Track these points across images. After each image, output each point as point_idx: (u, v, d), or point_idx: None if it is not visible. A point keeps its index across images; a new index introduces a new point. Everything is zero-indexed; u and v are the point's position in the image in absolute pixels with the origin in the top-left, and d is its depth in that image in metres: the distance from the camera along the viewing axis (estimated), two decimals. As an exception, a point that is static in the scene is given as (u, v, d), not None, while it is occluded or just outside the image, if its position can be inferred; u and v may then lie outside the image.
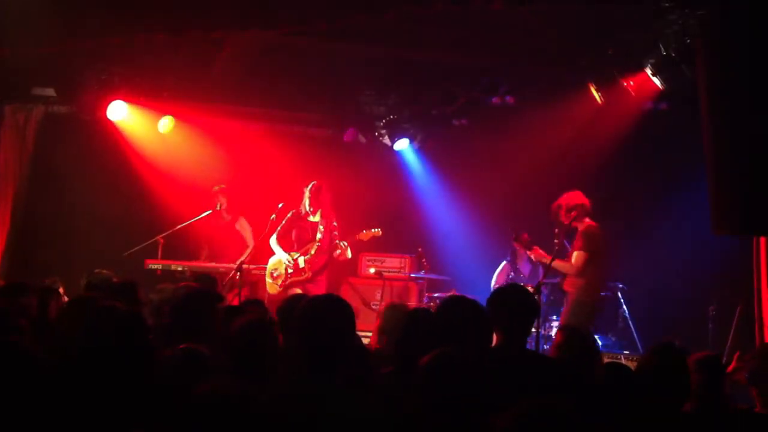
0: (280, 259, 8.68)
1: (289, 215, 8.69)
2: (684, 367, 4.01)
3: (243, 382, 2.96)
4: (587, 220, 7.76)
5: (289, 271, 8.59)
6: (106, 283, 5.62)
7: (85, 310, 4.64)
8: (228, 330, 3.80)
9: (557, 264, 7.70)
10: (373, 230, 8.79)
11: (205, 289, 5.40)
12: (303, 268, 8.57)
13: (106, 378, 3.00)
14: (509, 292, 4.49)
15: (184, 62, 8.44)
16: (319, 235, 8.63)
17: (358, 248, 10.57)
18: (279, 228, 8.64)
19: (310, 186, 8.66)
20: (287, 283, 8.61)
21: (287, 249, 8.70)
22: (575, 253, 7.64)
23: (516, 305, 4.19)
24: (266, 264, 9.00)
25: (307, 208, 8.64)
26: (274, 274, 8.69)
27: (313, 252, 8.61)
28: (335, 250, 8.66)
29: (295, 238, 8.75)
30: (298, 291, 8.29)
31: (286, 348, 4.30)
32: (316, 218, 8.70)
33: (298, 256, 8.62)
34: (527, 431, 2.38)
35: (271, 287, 8.69)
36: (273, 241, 8.68)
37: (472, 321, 3.93)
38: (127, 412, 2.93)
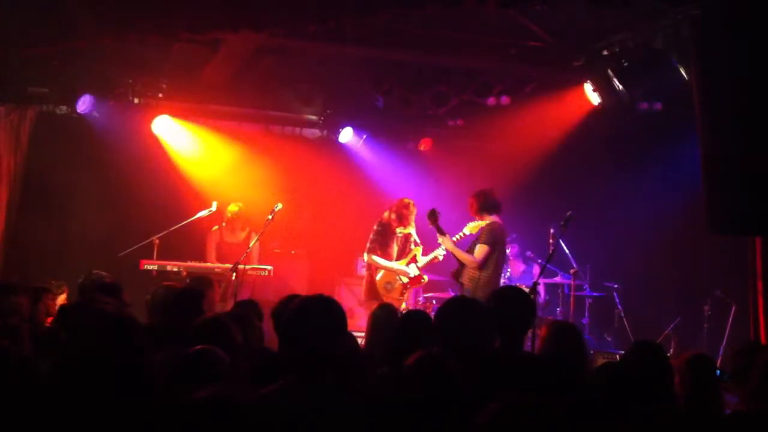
0: (391, 270, 8.41)
1: (378, 229, 8.45)
2: (663, 361, 4.06)
3: (233, 386, 2.95)
4: (494, 216, 7.75)
5: (405, 280, 8.42)
6: (96, 285, 5.61)
7: (80, 313, 4.68)
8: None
9: (460, 255, 7.71)
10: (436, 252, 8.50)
11: (190, 289, 5.40)
12: (419, 275, 8.47)
13: (104, 381, 2.98)
14: (508, 294, 4.54)
15: (178, 63, 8.44)
16: (417, 246, 8.55)
17: (353, 249, 10.61)
18: (373, 245, 8.39)
19: (409, 202, 8.38)
20: (407, 292, 8.51)
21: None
22: (478, 246, 7.61)
23: (514, 307, 4.21)
24: (264, 265, 9.02)
25: (408, 221, 8.37)
26: (388, 288, 8.40)
27: (425, 258, 8.48)
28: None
29: (394, 249, 8.52)
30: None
31: (281, 350, 4.31)
32: (409, 230, 8.50)
33: (407, 264, 8.46)
34: (503, 427, 2.39)
35: (395, 301, 8.22)
36: (376, 257, 8.38)
37: (476, 322, 3.93)
38: (121, 416, 2.92)
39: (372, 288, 8.46)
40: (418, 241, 8.57)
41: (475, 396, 2.94)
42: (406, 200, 8.37)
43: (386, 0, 5.87)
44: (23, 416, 2.86)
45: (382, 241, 8.44)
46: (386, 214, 8.49)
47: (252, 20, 5.85)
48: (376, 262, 8.40)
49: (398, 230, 8.43)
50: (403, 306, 8.37)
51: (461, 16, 7.15)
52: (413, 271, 8.45)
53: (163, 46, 7.92)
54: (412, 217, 8.35)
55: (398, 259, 8.50)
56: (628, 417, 3.50)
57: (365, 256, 8.48)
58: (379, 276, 8.46)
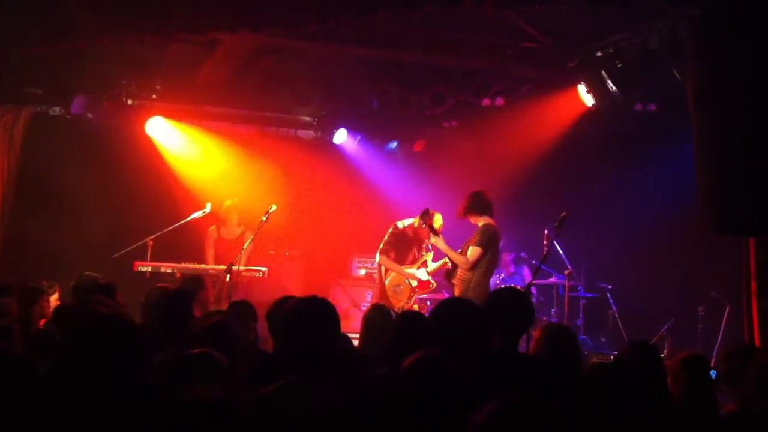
0: (401, 273, 8.55)
1: (395, 232, 8.59)
2: (657, 361, 4.08)
3: (230, 387, 2.93)
4: (487, 218, 7.75)
5: (414, 283, 8.56)
6: (91, 286, 5.58)
7: (77, 314, 4.65)
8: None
9: (453, 256, 7.72)
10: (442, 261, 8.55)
11: (178, 290, 5.38)
12: (428, 280, 8.60)
13: (103, 382, 2.96)
14: (504, 296, 4.56)
15: (173, 63, 8.40)
16: (428, 252, 8.66)
17: (347, 250, 10.59)
18: (386, 246, 8.52)
19: (434, 213, 8.30)
20: (415, 296, 8.60)
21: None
22: (471, 248, 7.62)
23: (511, 309, 4.20)
24: (258, 266, 8.98)
25: (438, 231, 8.27)
26: (397, 291, 8.57)
27: (435, 264, 8.56)
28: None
29: (409, 253, 8.70)
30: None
31: (275, 351, 4.30)
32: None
33: (418, 270, 8.58)
34: (501, 427, 2.38)
35: (403, 304, 8.47)
36: (387, 260, 8.53)
37: (470, 323, 3.92)
38: (119, 417, 2.90)
39: (382, 291, 8.59)
40: (429, 246, 8.62)
41: (473, 396, 2.93)
42: (431, 211, 8.23)
43: (386, 0, 5.86)
44: (22, 417, 2.84)
45: (397, 244, 8.54)
46: (400, 224, 8.57)
47: (251, 20, 5.84)
48: (387, 264, 8.53)
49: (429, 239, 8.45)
50: (415, 308, 8.41)
51: (460, 16, 7.14)
52: (422, 275, 8.54)
53: (159, 46, 7.89)
54: (439, 224, 8.29)
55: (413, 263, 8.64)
56: (625, 417, 3.49)
57: (377, 257, 8.61)
58: (388, 279, 8.56)
